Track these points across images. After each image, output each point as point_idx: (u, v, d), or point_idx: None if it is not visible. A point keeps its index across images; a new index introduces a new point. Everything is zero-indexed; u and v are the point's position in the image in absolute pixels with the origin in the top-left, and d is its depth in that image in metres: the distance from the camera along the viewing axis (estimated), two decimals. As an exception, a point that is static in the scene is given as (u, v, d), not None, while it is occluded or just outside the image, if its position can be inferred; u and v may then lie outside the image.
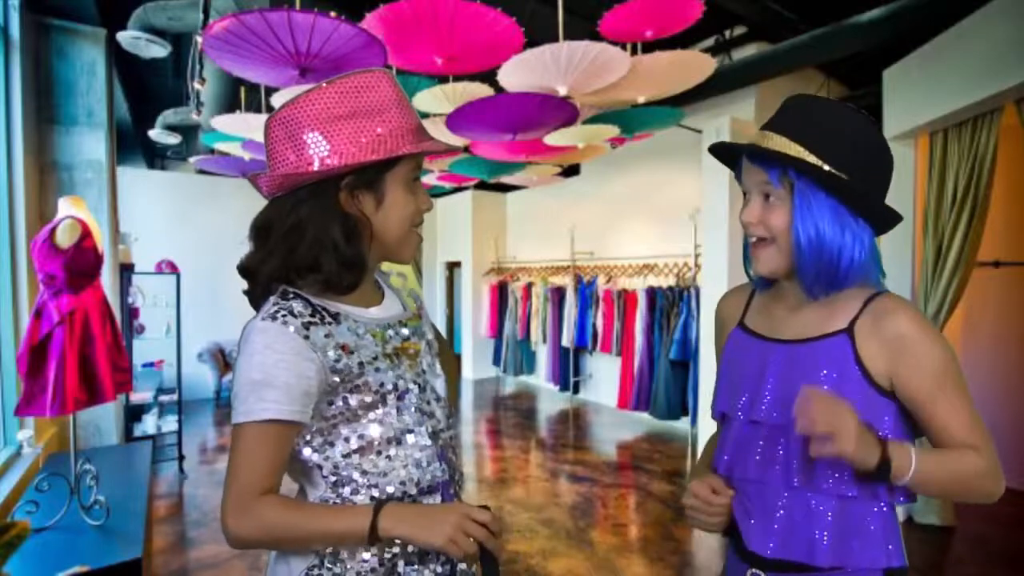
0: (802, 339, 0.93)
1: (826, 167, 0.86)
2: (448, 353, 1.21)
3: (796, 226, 0.88)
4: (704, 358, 4.87)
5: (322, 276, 0.86)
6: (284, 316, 0.83)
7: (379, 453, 0.87)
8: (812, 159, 0.86)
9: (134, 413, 4.58)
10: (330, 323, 0.87)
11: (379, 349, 0.90)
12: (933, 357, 0.86)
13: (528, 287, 7.74)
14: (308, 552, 0.87)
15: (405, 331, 0.97)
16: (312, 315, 0.86)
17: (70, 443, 2.12)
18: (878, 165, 0.90)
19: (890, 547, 0.88)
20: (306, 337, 0.83)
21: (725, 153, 0.99)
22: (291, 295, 0.88)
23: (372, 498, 0.86)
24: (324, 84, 0.86)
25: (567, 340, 6.97)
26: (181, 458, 4.54)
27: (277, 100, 2.91)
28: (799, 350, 0.92)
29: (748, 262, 1.03)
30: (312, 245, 0.86)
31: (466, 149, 4.18)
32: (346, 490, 0.87)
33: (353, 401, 0.86)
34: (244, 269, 0.91)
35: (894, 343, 0.86)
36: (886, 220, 0.90)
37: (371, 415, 0.87)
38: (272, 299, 0.88)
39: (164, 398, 4.91)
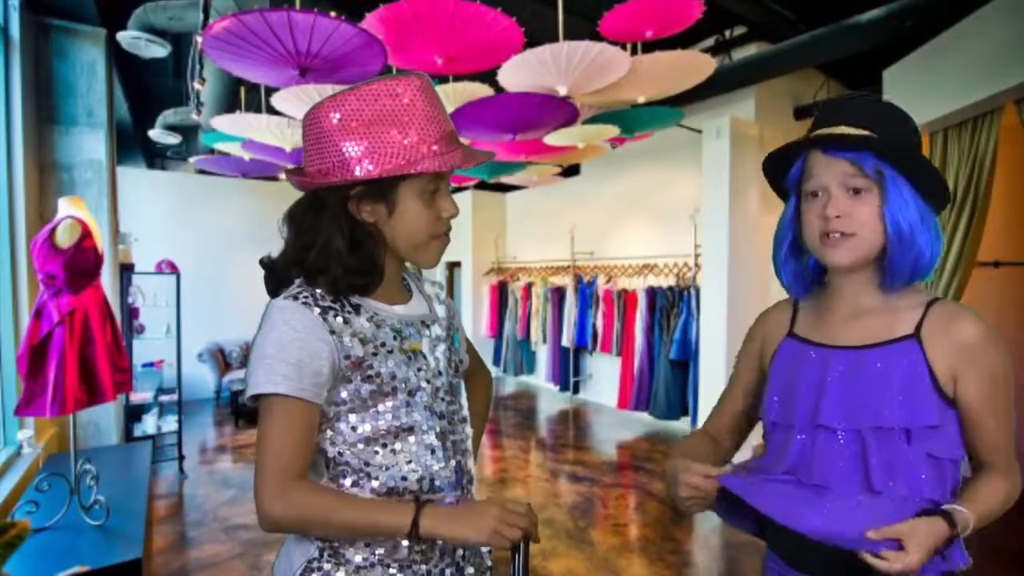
0: (867, 344, 0.92)
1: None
2: (481, 371, 1.23)
3: (895, 213, 0.86)
4: (704, 358, 4.87)
5: (330, 278, 0.88)
6: (306, 297, 0.86)
7: (384, 446, 0.88)
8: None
9: (134, 413, 4.57)
10: (349, 312, 0.89)
11: (396, 343, 0.91)
12: (997, 366, 0.86)
13: (528, 287, 7.74)
14: (310, 545, 0.88)
15: (426, 331, 0.98)
16: (333, 302, 0.88)
17: (70, 443, 2.12)
18: (920, 149, 0.92)
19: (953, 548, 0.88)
20: (324, 319, 0.85)
21: (781, 159, 0.97)
22: (314, 284, 0.90)
23: (372, 491, 0.87)
24: (352, 88, 0.86)
25: (567, 340, 6.97)
26: (181, 458, 4.54)
27: (277, 100, 2.91)
28: (865, 355, 0.91)
29: (782, 267, 1.01)
30: (321, 251, 0.88)
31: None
32: (347, 481, 0.88)
33: (364, 390, 0.87)
34: (267, 259, 0.95)
35: (962, 349, 0.86)
36: (943, 202, 0.91)
37: (380, 406, 0.88)
38: (297, 282, 0.90)
39: (164, 398, 4.91)
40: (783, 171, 0.98)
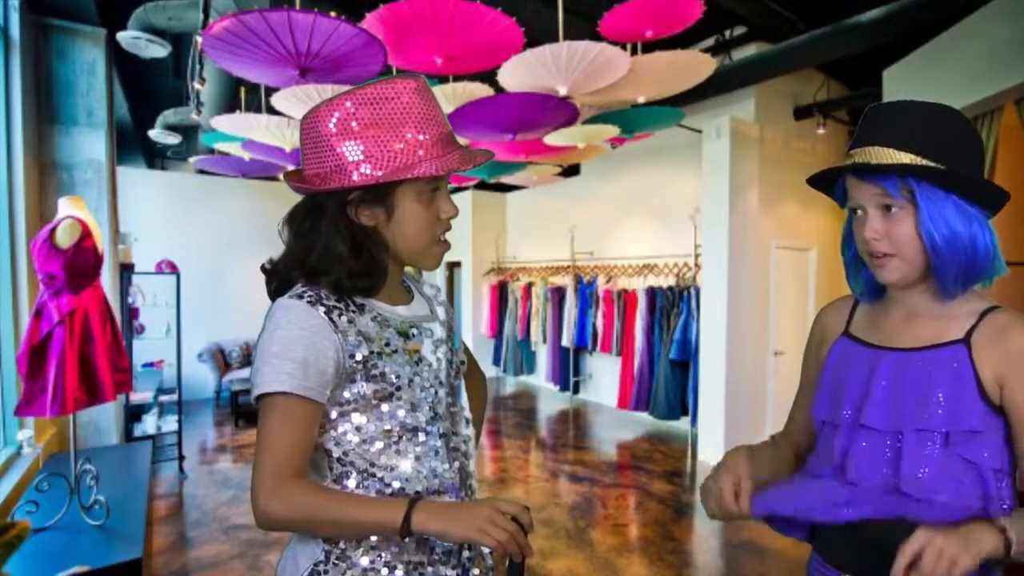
0: (916, 347, 0.92)
1: (941, 167, 0.86)
2: (477, 373, 1.23)
3: (929, 230, 0.87)
4: (704, 358, 4.87)
5: (332, 279, 0.88)
6: (311, 297, 0.86)
7: (388, 446, 0.88)
8: (927, 163, 0.86)
9: (134, 413, 4.57)
10: (354, 311, 0.89)
11: (400, 343, 0.91)
12: None
13: (528, 287, 7.74)
14: (316, 547, 0.87)
15: (428, 332, 0.98)
16: (338, 301, 0.88)
17: (70, 443, 2.13)
18: (974, 148, 0.92)
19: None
20: (329, 318, 0.85)
21: (822, 177, 0.98)
22: (317, 285, 0.90)
23: (378, 492, 0.87)
24: (348, 92, 0.86)
25: (567, 340, 6.97)
26: (181, 458, 4.54)
27: (277, 100, 2.91)
28: (913, 357, 0.92)
29: (853, 278, 1.03)
30: (322, 254, 0.88)
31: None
32: (351, 482, 0.87)
33: (369, 390, 0.87)
34: (267, 264, 0.95)
35: (1010, 356, 0.86)
36: (998, 200, 0.91)
37: (385, 407, 0.88)
38: (300, 283, 0.90)
39: (164, 398, 4.91)
40: (832, 187, 1.00)
